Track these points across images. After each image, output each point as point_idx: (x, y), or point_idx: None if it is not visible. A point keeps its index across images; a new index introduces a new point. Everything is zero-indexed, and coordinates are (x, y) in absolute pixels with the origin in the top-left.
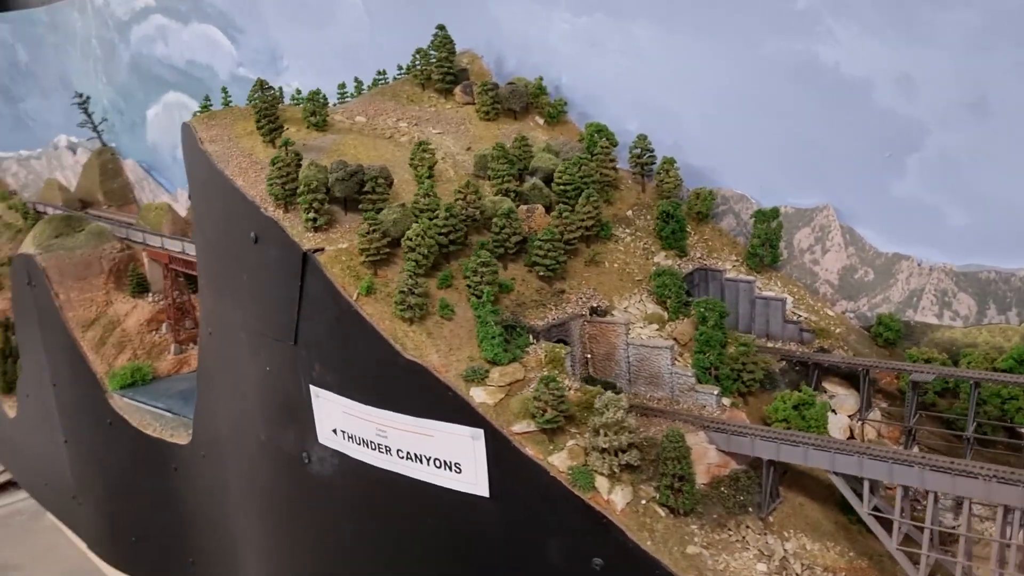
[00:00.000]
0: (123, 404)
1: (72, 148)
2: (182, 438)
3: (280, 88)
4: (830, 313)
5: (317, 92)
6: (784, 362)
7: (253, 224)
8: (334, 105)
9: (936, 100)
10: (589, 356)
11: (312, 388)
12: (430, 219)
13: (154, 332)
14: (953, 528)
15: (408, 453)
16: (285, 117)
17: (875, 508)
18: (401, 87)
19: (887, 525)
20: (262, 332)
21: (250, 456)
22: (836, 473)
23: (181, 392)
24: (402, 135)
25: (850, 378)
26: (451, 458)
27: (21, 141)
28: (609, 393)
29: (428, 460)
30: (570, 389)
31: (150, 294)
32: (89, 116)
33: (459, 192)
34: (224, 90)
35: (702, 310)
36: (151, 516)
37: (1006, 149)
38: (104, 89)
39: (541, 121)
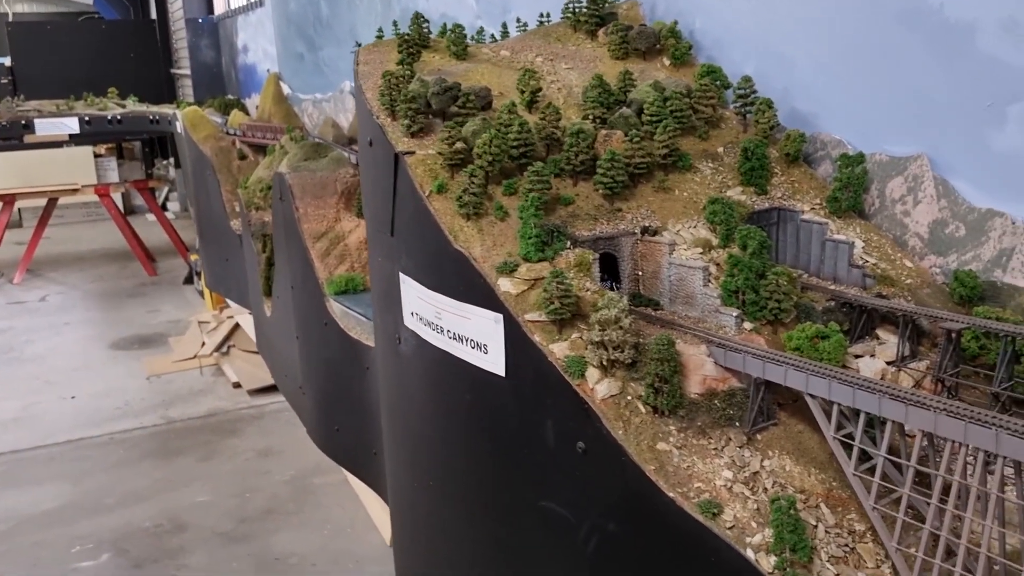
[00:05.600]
0: (336, 308)
1: (353, 93)
2: (373, 341)
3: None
4: (908, 264)
5: (458, 26)
6: (833, 302)
7: (371, 130)
8: (495, 41)
9: None
10: (640, 273)
11: (400, 275)
12: (502, 133)
13: None
14: (907, 466)
15: (454, 333)
16: (437, 48)
17: (849, 436)
18: (555, 29)
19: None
20: (376, 228)
21: (379, 345)
22: (810, 395)
23: None
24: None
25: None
26: (481, 339)
27: (318, 85)
28: (613, 294)
29: (466, 341)
30: (588, 291)
31: None
32: None
33: (541, 112)
34: (395, 23)
35: (743, 237)
36: (349, 410)
37: None
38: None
39: (668, 63)
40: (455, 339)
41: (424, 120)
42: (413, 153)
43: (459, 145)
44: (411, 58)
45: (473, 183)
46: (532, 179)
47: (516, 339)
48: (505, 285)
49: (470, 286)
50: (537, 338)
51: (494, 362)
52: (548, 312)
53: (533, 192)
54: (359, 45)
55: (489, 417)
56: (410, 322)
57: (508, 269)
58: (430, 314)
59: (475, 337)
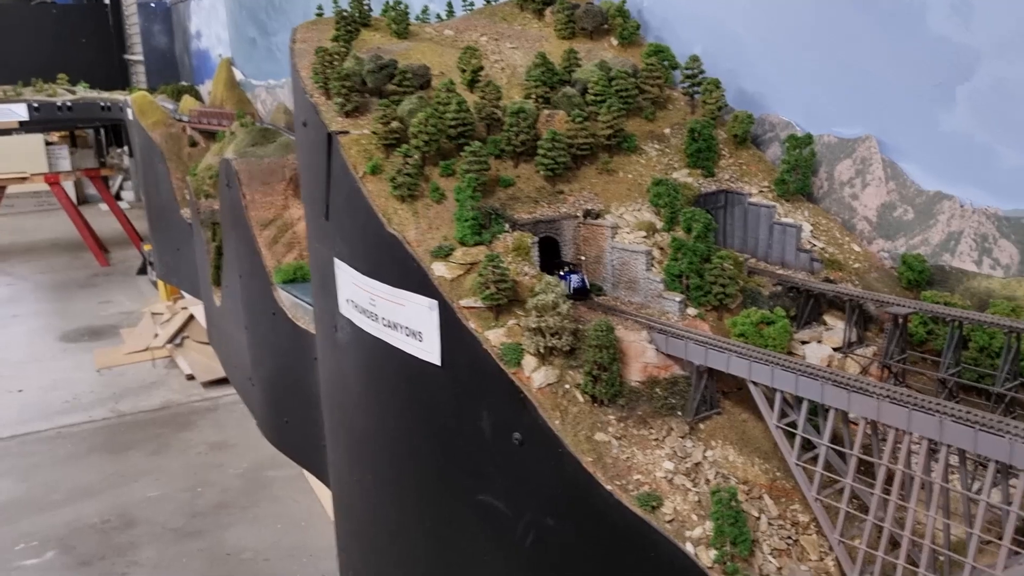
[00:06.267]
0: (284, 297)
1: None
2: None
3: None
4: (856, 248)
5: (399, 2)
6: (779, 286)
7: (305, 110)
8: (440, 21)
9: (992, 25)
10: (582, 258)
11: (335, 260)
12: (439, 111)
13: None
14: (846, 455)
15: (389, 321)
16: (378, 26)
17: (792, 424)
18: (501, 8)
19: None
20: (312, 211)
21: (318, 333)
22: (753, 382)
23: None
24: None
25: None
26: (416, 327)
27: (271, 71)
28: (551, 278)
29: (401, 328)
30: (526, 275)
31: None
32: None
33: (481, 91)
34: (335, 0)
35: (688, 220)
36: (298, 401)
37: None
38: None
39: (615, 43)
40: (390, 327)
41: (359, 99)
42: (347, 133)
43: (394, 124)
44: (348, 35)
45: (408, 164)
46: (470, 159)
47: (451, 326)
48: (440, 270)
49: (404, 271)
50: (472, 325)
51: (429, 350)
52: (484, 298)
53: (470, 173)
54: None
55: (425, 408)
56: (345, 309)
57: (443, 253)
58: (364, 301)
59: (410, 324)
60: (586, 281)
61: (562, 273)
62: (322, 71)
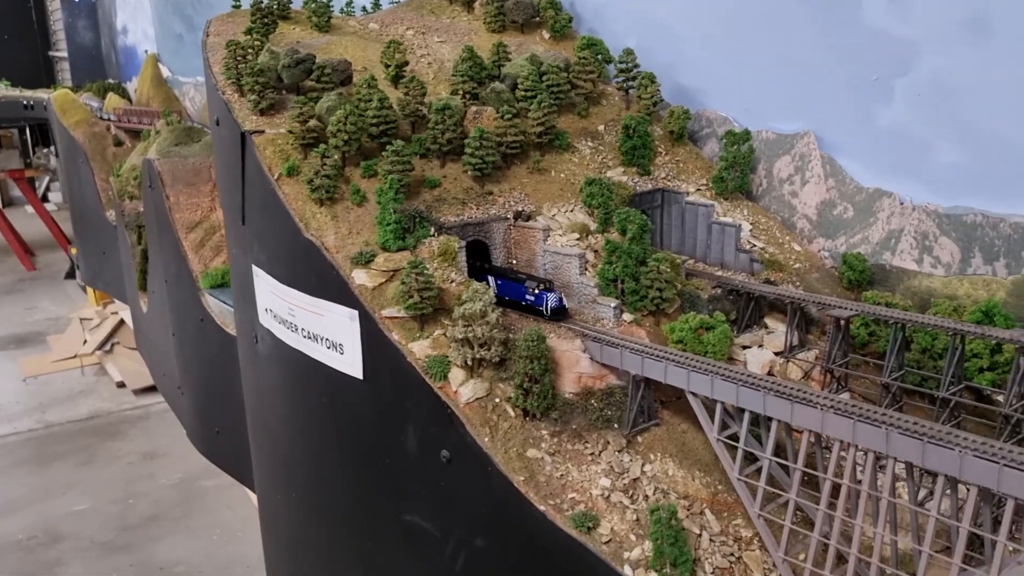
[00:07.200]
0: (212, 303)
1: None
2: None
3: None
4: (796, 248)
5: None
6: (719, 289)
7: (217, 108)
8: (366, 14)
9: (930, 16)
10: (514, 262)
11: (254, 267)
12: (360, 109)
13: None
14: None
15: (308, 332)
16: (299, 19)
17: (734, 436)
18: (430, 0)
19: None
20: (229, 216)
21: (239, 344)
22: (692, 393)
23: None
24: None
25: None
26: (336, 339)
27: (199, 67)
28: (478, 285)
29: (321, 340)
30: (453, 282)
31: None
32: None
33: (405, 87)
34: None
35: (622, 220)
36: (229, 411)
37: (1006, 76)
38: None
39: (547, 36)
40: (310, 338)
41: (274, 96)
42: (262, 132)
43: (312, 123)
44: (265, 28)
45: (327, 164)
46: (392, 159)
47: (373, 338)
48: (360, 277)
49: (323, 279)
50: (395, 336)
51: (351, 363)
52: (407, 307)
53: (393, 174)
54: None
55: (348, 424)
56: (265, 320)
57: (364, 260)
58: (283, 311)
59: (330, 336)
60: (564, 300)
61: (536, 292)
62: (234, 66)
